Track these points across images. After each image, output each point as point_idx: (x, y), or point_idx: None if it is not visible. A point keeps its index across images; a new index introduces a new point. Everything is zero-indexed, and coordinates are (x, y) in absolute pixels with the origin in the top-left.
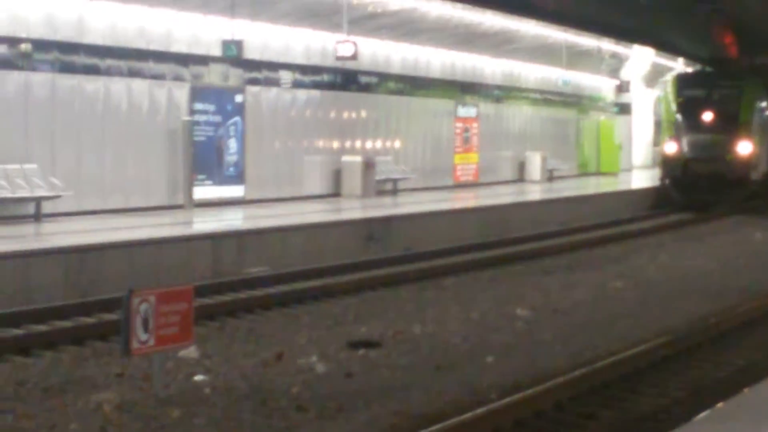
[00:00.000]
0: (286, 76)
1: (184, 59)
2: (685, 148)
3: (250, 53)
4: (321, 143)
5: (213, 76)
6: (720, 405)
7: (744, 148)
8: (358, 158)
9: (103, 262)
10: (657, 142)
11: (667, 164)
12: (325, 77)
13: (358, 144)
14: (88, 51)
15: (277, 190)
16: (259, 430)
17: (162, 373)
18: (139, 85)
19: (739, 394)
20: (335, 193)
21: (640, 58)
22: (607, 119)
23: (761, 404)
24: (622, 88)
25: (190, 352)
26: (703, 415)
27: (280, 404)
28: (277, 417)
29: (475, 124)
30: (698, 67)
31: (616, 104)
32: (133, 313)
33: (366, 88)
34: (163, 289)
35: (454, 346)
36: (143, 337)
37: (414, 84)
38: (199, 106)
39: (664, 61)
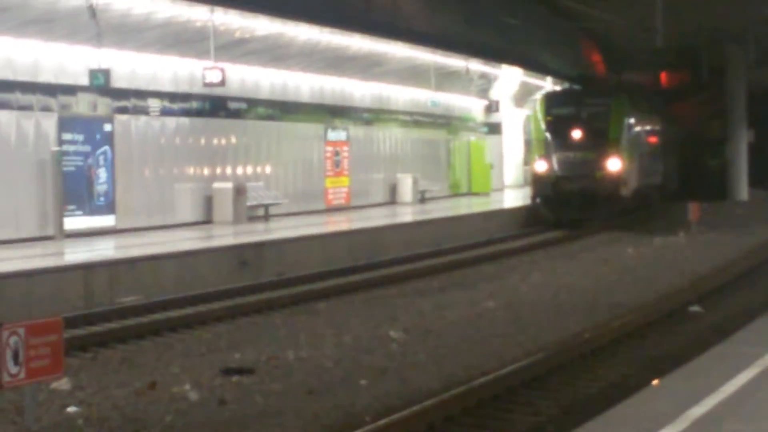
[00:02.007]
0: (154, 104)
1: (52, 89)
2: (555, 166)
3: (118, 82)
4: (191, 170)
5: (81, 105)
6: (591, 421)
7: (613, 164)
8: (229, 185)
9: None
10: (527, 161)
11: (537, 183)
12: (194, 104)
13: (228, 170)
14: None
15: (149, 219)
16: None
17: (34, 406)
18: (6, 116)
19: (610, 409)
20: (207, 220)
21: (509, 77)
22: (478, 139)
23: (632, 420)
24: (492, 108)
25: (63, 383)
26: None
27: None
28: None
29: (345, 148)
30: (566, 85)
31: (486, 124)
32: (2, 346)
33: (235, 114)
34: (32, 321)
35: (328, 370)
36: (13, 369)
37: (283, 109)
38: (67, 136)
39: (533, 80)
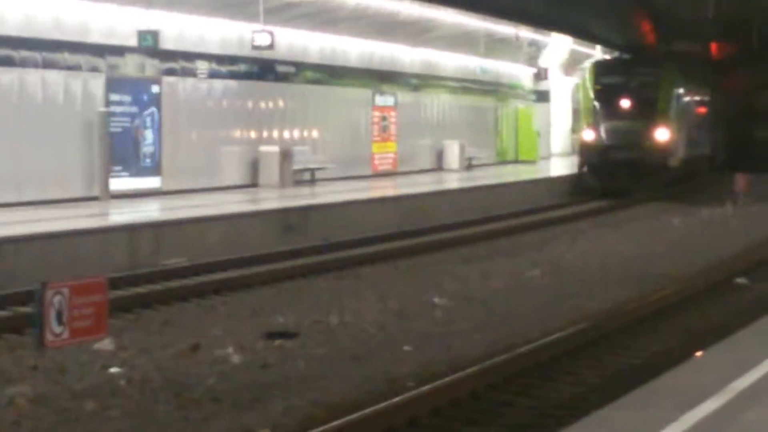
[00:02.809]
0: (202, 66)
1: (100, 50)
2: (604, 135)
3: (167, 43)
4: (238, 133)
5: (129, 66)
6: (635, 392)
7: (662, 134)
8: (276, 148)
9: (18, 254)
10: (575, 129)
11: (585, 152)
12: (242, 67)
13: (275, 134)
14: (2, 42)
15: (194, 181)
16: (174, 422)
17: (76, 366)
18: (54, 76)
19: (653, 380)
20: (253, 184)
21: (559, 45)
22: (526, 107)
23: (675, 391)
24: (541, 75)
25: (105, 344)
26: (617, 402)
27: (195, 396)
28: (192, 408)
29: (393, 113)
30: (616, 54)
31: (535, 92)
32: (46, 306)
33: (283, 78)
34: (76, 281)
35: (372, 335)
36: (57, 329)
37: (332, 73)
38: (115, 97)
39: (583, 48)
